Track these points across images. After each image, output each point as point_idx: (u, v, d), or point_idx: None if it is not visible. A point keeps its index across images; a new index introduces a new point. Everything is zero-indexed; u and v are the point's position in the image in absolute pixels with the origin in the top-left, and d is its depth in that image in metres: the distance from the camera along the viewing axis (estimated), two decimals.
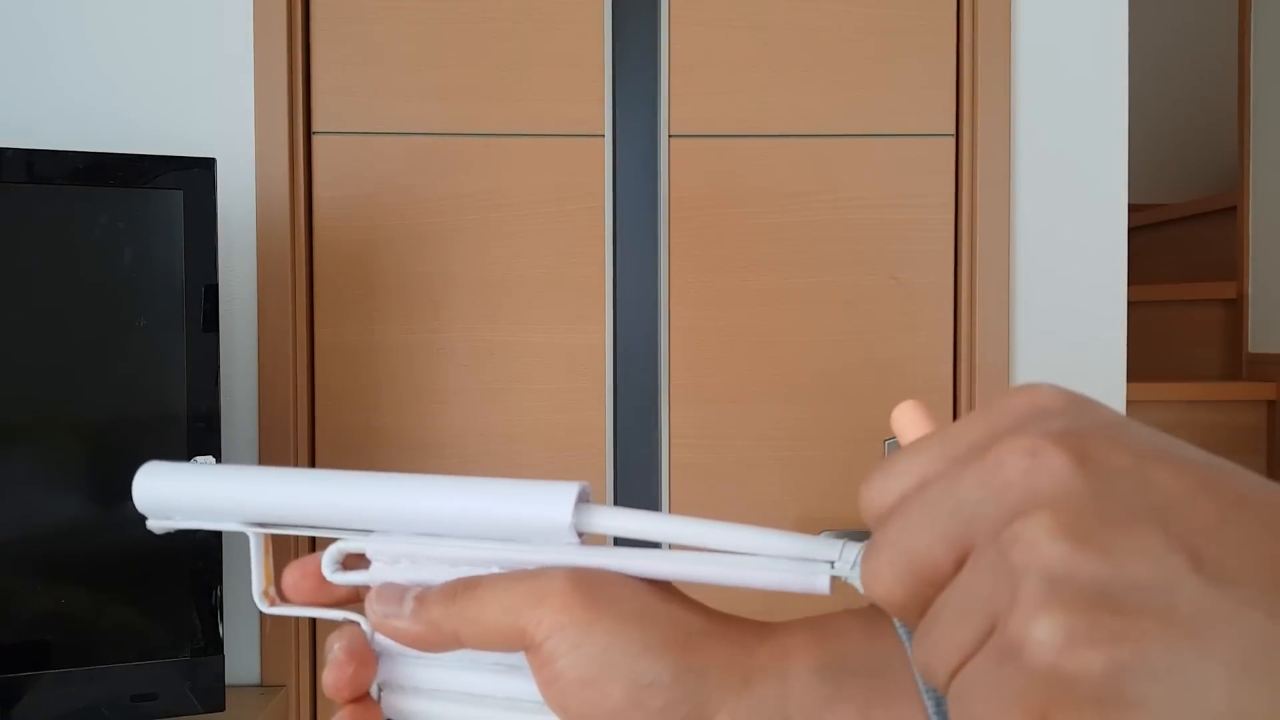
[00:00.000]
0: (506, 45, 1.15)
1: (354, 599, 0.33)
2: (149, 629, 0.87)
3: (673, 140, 1.16)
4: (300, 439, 1.13)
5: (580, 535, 0.29)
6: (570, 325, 1.16)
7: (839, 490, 1.17)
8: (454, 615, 0.29)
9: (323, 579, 0.32)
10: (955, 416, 1.18)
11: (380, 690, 0.32)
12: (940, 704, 0.25)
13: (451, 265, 1.16)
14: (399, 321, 1.16)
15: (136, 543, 0.87)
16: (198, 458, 0.88)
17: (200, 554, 0.88)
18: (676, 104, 1.16)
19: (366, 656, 0.32)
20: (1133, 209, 1.24)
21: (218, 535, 0.89)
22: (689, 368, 1.17)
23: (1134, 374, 1.22)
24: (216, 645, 0.88)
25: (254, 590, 0.34)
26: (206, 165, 0.89)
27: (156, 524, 0.34)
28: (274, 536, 0.33)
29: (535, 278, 1.16)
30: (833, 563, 0.28)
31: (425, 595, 0.29)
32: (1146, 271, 2.28)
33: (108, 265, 0.86)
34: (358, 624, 0.32)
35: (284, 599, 0.33)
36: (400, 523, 0.31)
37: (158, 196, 0.87)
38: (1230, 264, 2.01)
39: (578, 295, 1.16)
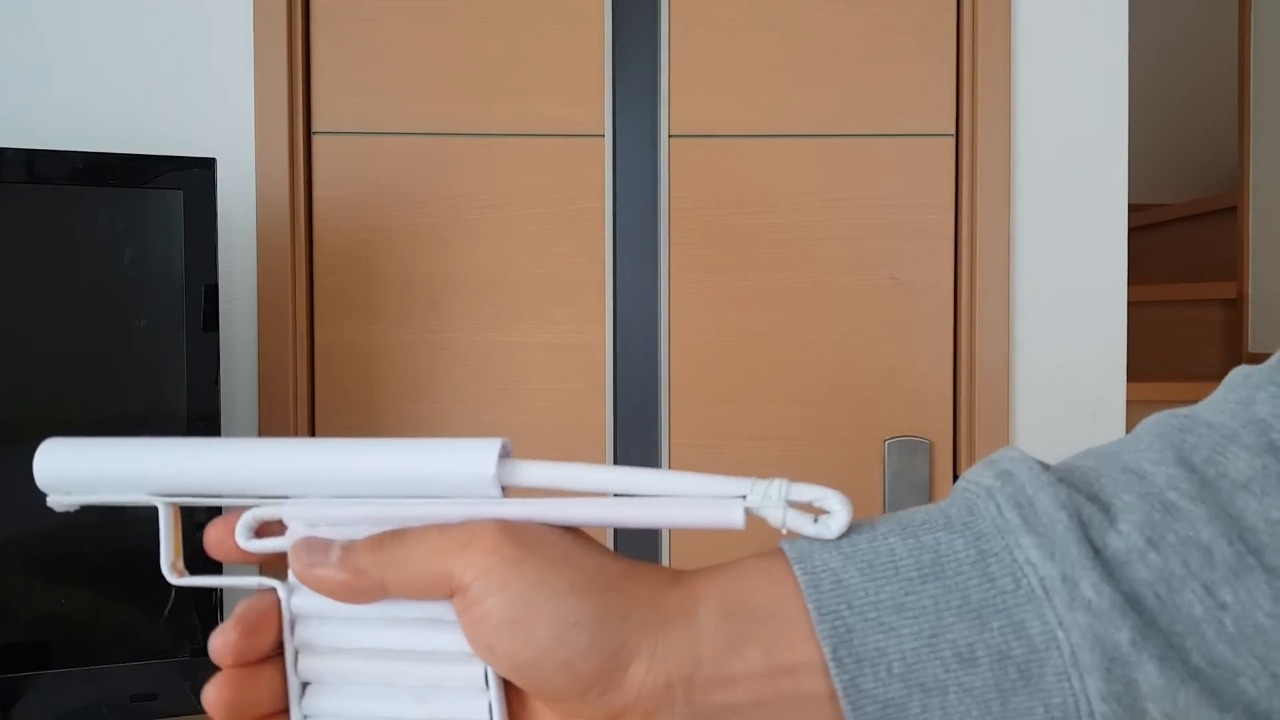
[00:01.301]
0: (506, 45, 1.15)
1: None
2: (149, 629, 0.87)
3: (673, 140, 1.16)
4: None
5: (503, 490, 0.30)
6: (570, 325, 1.16)
7: (840, 489, 1.17)
8: (381, 561, 0.29)
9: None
10: (955, 416, 1.18)
11: (296, 654, 0.32)
12: (837, 648, 0.26)
13: (451, 265, 1.16)
14: (399, 321, 1.16)
15: (136, 543, 0.87)
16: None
17: (200, 554, 0.88)
18: (676, 104, 1.16)
19: (262, 622, 0.32)
20: (1133, 209, 1.24)
21: None
22: (689, 368, 1.17)
23: (1134, 374, 1.22)
24: None
25: (162, 562, 0.34)
26: (206, 165, 0.89)
27: (57, 500, 0.34)
28: (185, 509, 0.34)
29: (535, 278, 1.16)
30: (744, 496, 0.29)
31: (352, 545, 0.30)
32: (1146, 271, 2.28)
33: (108, 265, 0.86)
34: (272, 589, 0.32)
35: (209, 557, 0.34)
36: (317, 486, 0.30)
37: (158, 196, 0.87)
38: (1230, 264, 2.01)
39: (578, 295, 1.16)
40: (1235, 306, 1.97)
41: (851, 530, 0.29)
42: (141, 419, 0.87)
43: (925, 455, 1.17)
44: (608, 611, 0.27)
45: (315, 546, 0.30)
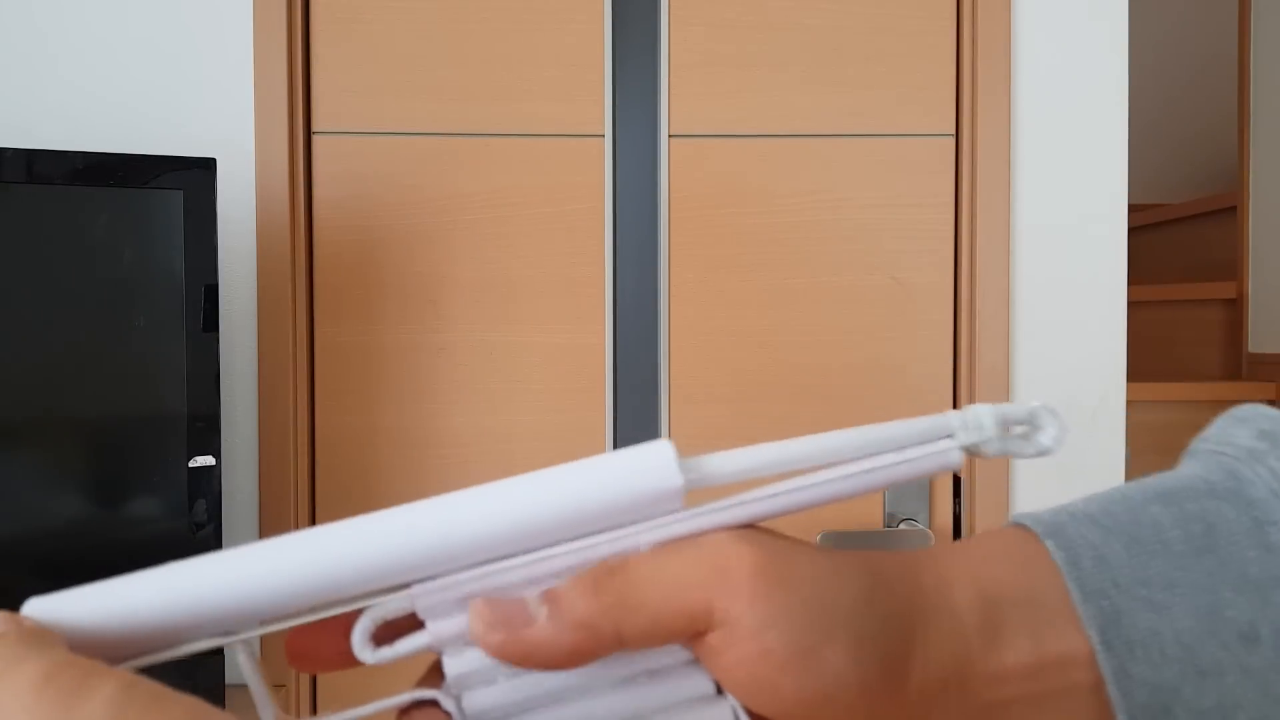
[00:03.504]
0: (506, 45, 1.15)
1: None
2: None
3: (673, 140, 1.16)
4: (300, 439, 1.13)
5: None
6: (570, 325, 1.16)
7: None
8: (610, 608, 0.23)
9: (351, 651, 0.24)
10: None
11: None
12: (1105, 631, 0.24)
13: (451, 265, 1.16)
14: (399, 321, 1.16)
15: (137, 543, 0.87)
16: (197, 457, 0.87)
17: (200, 554, 0.88)
18: (676, 104, 1.16)
19: None
20: (1133, 209, 1.24)
21: (217, 535, 0.89)
22: (689, 368, 1.17)
23: (1134, 374, 1.22)
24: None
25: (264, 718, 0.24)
26: (206, 165, 0.89)
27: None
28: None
29: (535, 278, 1.16)
30: (952, 435, 0.26)
31: (556, 594, 0.23)
32: (1146, 271, 2.28)
33: (108, 265, 0.86)
34: (433, 702, 0.24)
35: (304, 669, 0.25)
36: (448, 559, 0.23)
37: (158, 196, 0.87)
38: (1230, 264, 2.01)
39: (578, 295, 1.16)
40: (1235, 306, 1.97)
41: (1097, 496, 0.26)
42: (141, 419, 0.87)
43: None
44: (889, 613, 0.24)
45: (505, 613, 0.23)
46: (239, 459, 1.12)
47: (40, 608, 0.23)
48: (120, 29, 1.11)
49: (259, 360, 1.12)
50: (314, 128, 1.15)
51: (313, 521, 1.15)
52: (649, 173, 1.16)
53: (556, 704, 0.24)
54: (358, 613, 0.24)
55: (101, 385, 0.86)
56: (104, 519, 0.86)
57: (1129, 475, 1.19)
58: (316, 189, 1.15)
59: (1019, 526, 0.27)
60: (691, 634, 0.23)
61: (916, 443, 0.26)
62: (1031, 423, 0.26)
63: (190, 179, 0.88)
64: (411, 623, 0.24)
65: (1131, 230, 1.21)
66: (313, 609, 0.24)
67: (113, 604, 0.23)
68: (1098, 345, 1.17)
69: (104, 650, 0.22)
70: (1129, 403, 1.18)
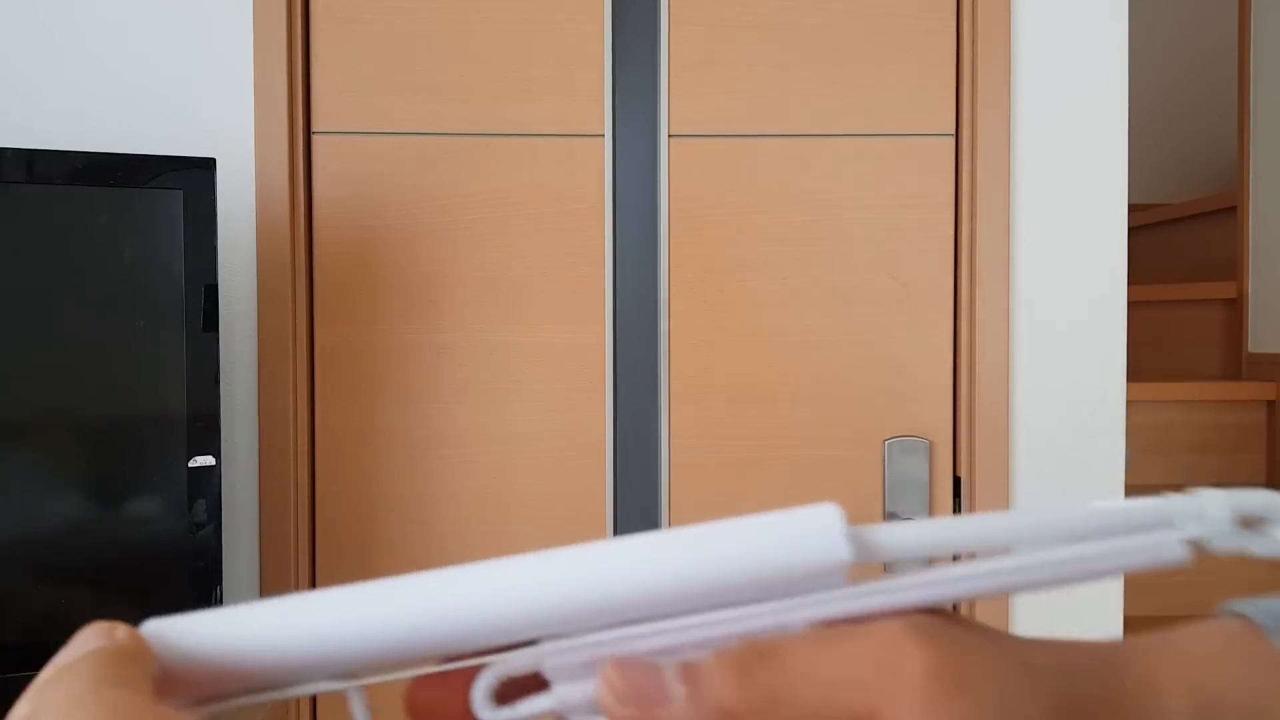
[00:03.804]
0: (506, 45, 1.15)
1: None
2: None
3: (673, 140, 1.16)
4: (300, 439, 1.13)
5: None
6: (570, 325, 1.16)
7: (839, 490, 1.17)
8: (760, 700, 0.20)
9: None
10: (955, 416, 1.18)
11: None
12: None
13: (451, 265, 1.16)
14: (399, 321, 1.16)
15: (136, 542, 0.87)
16: (197, 457, 0.87)
17: (200, 554, 0.88)
18: (676, 104, 1.16)
19: None
20: (1133, 209, 1.24)
21: (217, 535, 0.89)
22: (689, 368, 1.17)
23: (1134, 374, 1.22)
24: None
25: None
26: (206, 165, 0.89)
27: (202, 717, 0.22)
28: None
29: (535, 278, 1.16)
30: (1171, 522, 0.22)
31: (697, 672, 0.21)
32: (1146, 271, 2.28)
33: (108, 265, 0.86)
34: None
35: None
36: (584, 616, 0.21)
37: (158, 196, 0.87)
38: (1230, 264, 2.01)
39: (578, 295, 1.16)
40: (1235, 306, 1.97)
41: None
42: (141, 419, 0.87)
43: (925, 455, 1.17)
44: None
45: (639, 680, 0.21)
46: (239, 459, 1.12)
47: (155, 629, 0.21)
48: (120, 29, 1.11)
49: (259, 360, 1.12)
50: (314, 127, 1.15)
51: (313, 521, 1.15)
52: (649, 173, 1.16)
53: None
54: (480, 668, 0.22)
55: (101, 385, 0.86)
56: (104, 519, 0.86)
57: (1129, 475, 1.19)
58: (316, 189, 1.15)
59: (1239, 618, 0.23)
60: None
61: (1128, 529, 0.22)
62: (1269, 515, 0.23)
63: (190, 179, 0.88)
64: (537, 683, 0.22)
65: (1131, 230, 1.21)
66: (436, 659, 0.22)
67: (232, 632, 0.21)
68: (1097, 345, 1.17)
69: (208, 681, 0.21)
70: (1129, 403, 1.18)
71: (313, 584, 1.15)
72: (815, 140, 1.17)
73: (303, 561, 1.14)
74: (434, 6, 1.15)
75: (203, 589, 0.88)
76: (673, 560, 0.21)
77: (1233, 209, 2.03)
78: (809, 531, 0.21)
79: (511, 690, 0.22)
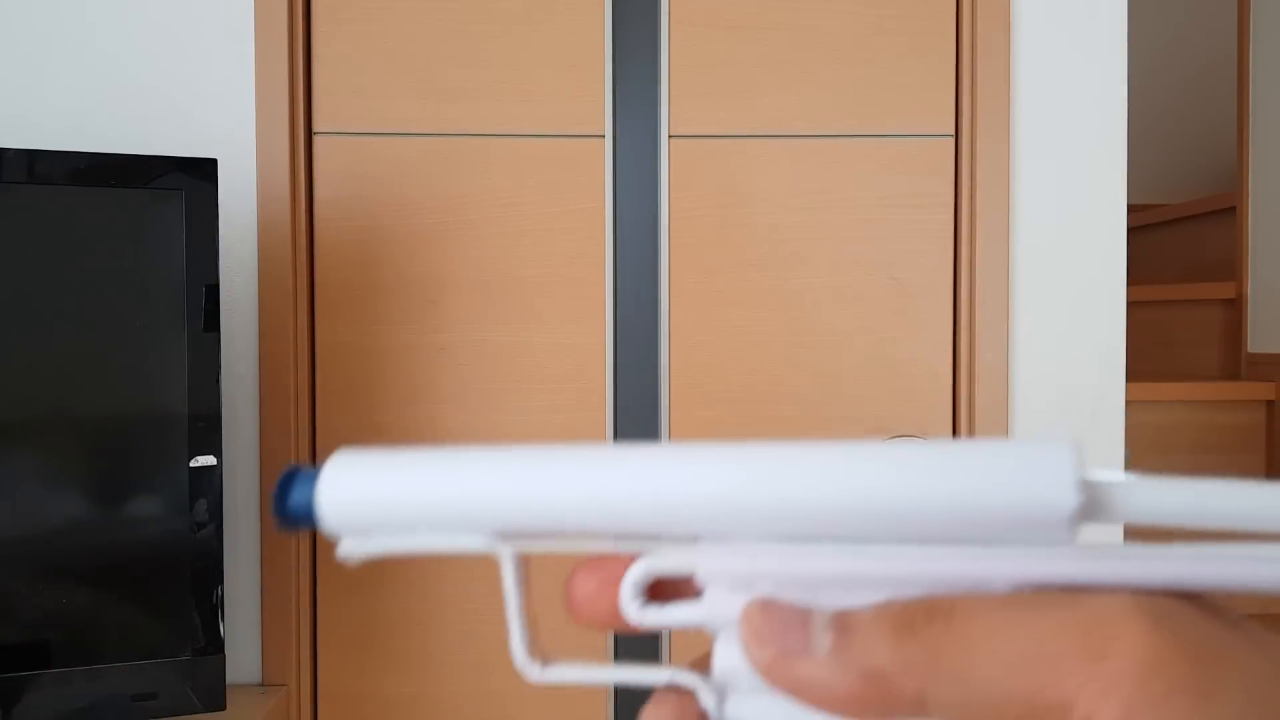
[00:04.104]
0: (506, 45, 1.15)
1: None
2: (150, 628, 0.87)
3: (673, 140, 1.16)
4: (300, 439, 1.13)
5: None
6: (570, 325, 1.16)
7: None
8: (921, 665, 0.17)
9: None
10: (954, 416, 1.18)
11: None
12: None
13: (451, 265, 1.16)
14: (399, 322, 1.16)
15: (137, 542, 0.87)
16: (198, 457, 0.87)
17: (201, 553, 0.88)
18: (676, 104, 1.16)
19: None
20: (1133, 209, 1.24)
21: (218, 534, 0.89)
22: (689, 368, 1.17)
23: (1134, 374, 1.23)
24: (217, 645, 0.88)
25: (514, 647, 0.22)
26: (207, 166, 0.89)
27: (352, 549, 0.22)
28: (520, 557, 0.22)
29: (535, 278, 1.16)
30: None
31: (851, 623, 0.18)
32: (1146, 271, 2.28)
33: (109, 266, 0.86)
34: (690, 695, 0.20)
35: (580, 620, 0.21)
36: (752, 520, 0.19)
37: (159, 197, 0.87)
38: (1230, 264, 2.01)
39: (578, 295, 1.16)
40: (1235, 306, 1.97)
41: None
42: (142, 419, 0.88)
43: None
44: None
45: (786, 620, 0.18)
46: (239, 459, 1.12)
47: (343, 459, 0.22)
48: (121, 29, 1.11)
49: (259, 360, 1.12)
50: (315, 128, 1.15)
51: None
52: (649, 173, 1.16)
53: None
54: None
55: (102, 385, 0.87)
56: (104, 519, 0.86)
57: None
58: (317, 189, 1.15)
59: None
60: None
61: None
62: None
63: (191, 179, 0.88)
64: (692, 592, 0.20)
65: (1131, 230, 1.21)
66: (592, 534, 0.20)
67: (408, 475, 0.21)
68: (1097, 345, 1.18)
69: (379, 519, 0.21)
70: (1128, 403, 1.18)
71: (313, 584, 1.16)
72: (815, 140, 1.17)
73: (303, 561, 1.14)
74: (435, 7, 1.15)
75: (203, 589, 0.88)
76: (866, 473, 0.18)
77: (1232, 209, 2.03)
78: (1028, 468, 0.17)
79: (667, 594, 0.21)
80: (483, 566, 1.16)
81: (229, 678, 1.09)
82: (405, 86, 1.15)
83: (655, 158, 1.16)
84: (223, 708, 0.88)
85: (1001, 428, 1.16)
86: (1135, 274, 1.27)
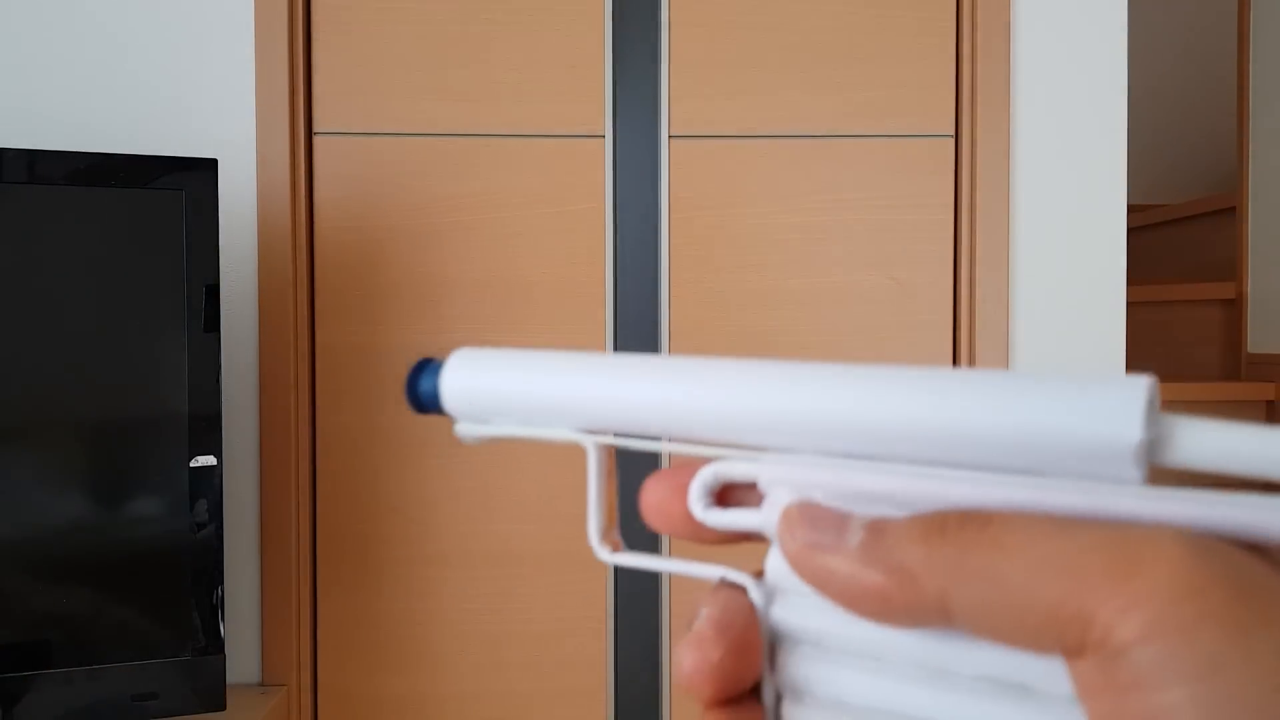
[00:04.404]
0: (506, 45, 1.15)
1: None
2: (150, 629, 0.87)
3: (673, 140, 1.16)
4: (300, 439, 1.13)
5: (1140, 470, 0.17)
6: (570, 326, 1.16)
7: None
8: (945, 563, 0.17)
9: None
10: None
11: (779, 701, 0.20)
12: None
13: (451, 265, 1.16)
14: (399, 322, 1.16)
15: (137, 542, 0.87)
16: (198, 457, 0.88)
17: (201, 553, 0.88)
18: (676, 104, 1.16)
19: (746, 638, 0.20)
20: (1133, 209, 1.24)
21: (219, 534, 0.89)
22: None
23: (1133, 374, 1.22)
24: (217, 645, 0.88)
25: (590, 530, 0.23)
26: (208, 166, 0.89)
27: (469, 430, 0.25)
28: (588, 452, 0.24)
29: (535, 278, 1.16)
30: None
31: (886, 526, 0.18)
32: (1146, 271, 2.28)
33: (109, 266, 0.86)
34: (742, 587, 0.21)
35: (651, 523, 0.22)
36: (819, 434, 0.19)
37: (159, 197, 0.87)
38: (1230, 264, 2.01)
39: (578, 295, 1.16)
40: (1235, 306, 1.97)
41: None
42: (142, 419, 0.88)
43: None
44: None
45: (822, 519, 0.19)
46: (240, 459, 1.12)
47: (466, 352, 0.25)
48: (121, 30, 1.11)
49: (259, 360, 1.12)
50: (315, 128, 1.15)
51: (313, 521, 1.15)
52: (649, 173, 1.16)
53: (878, 669, 0.19)
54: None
55: (102, 385, 0.87)
56: (104, 519, 0.86)
57: None
58: (318, 189, 1.15)
59: None
60: (1055, 645, 0.16)
61: None
62: None
63: (191, 179, 0.88)
64: (757, 500, 0.21)
65: (1131, 230, 1.21)
66: (678, 436, 0.22)
67: (516, 370, 0.24)
68: (1097, 345, 1.18)
69: (490, 406, 0.24)
70: None
71: (313, 584, 1.16)
72: (815, 140, 1.17)
73: (303, 561, 1.14)
74: (435, 7, 1.15)
75: (203, 589, 0.88)
76: (938, 400, 0.18)
77: (1232, 209, 2.03)
78: (1099, 398, 0.17)
79: (732, 500, 0.22)
80: (482, 566, 1.16)
81: (229, 678, 1.09)
82: (405, 86, 1.15)
83: (655, 158, 1.16)
84: (223, 708, 0.88)
85: None
86: (1135, 274, 1.27)
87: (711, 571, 0.21)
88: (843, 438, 0.19)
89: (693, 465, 0.22)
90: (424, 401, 0.25)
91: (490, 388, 0.24)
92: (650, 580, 1.17)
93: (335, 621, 1.15)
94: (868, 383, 0.19)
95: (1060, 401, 0.17)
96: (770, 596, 0.20)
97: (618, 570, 1.17)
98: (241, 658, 1.12)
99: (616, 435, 0.23)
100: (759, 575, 0.21)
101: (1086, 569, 0.15)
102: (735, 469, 0.21)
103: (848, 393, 0.19)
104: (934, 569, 0.17)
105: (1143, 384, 0.17)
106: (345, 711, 1.15)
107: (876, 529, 0.18)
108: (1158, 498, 0.17)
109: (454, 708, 1.16)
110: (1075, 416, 0.17)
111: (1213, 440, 0.16)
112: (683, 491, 0.22)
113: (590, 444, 0.23)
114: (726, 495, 0.22)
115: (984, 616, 0.16)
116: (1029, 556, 0.16)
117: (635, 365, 0.22)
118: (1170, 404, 1.75)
